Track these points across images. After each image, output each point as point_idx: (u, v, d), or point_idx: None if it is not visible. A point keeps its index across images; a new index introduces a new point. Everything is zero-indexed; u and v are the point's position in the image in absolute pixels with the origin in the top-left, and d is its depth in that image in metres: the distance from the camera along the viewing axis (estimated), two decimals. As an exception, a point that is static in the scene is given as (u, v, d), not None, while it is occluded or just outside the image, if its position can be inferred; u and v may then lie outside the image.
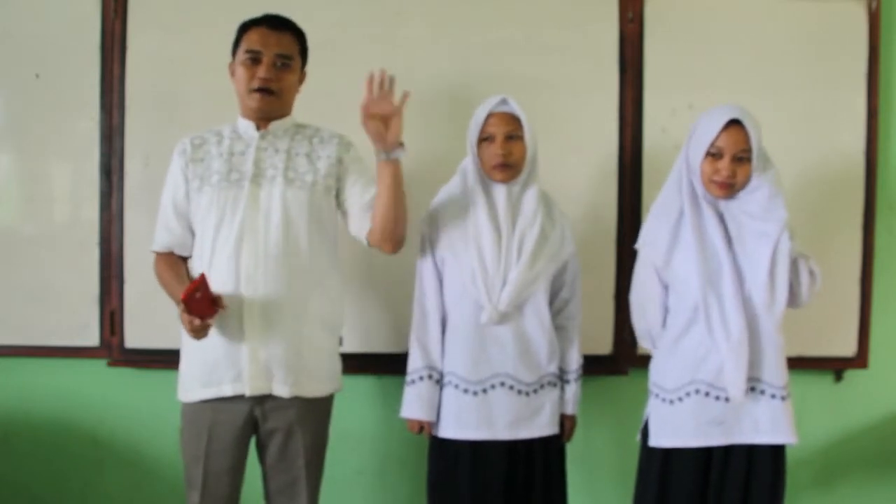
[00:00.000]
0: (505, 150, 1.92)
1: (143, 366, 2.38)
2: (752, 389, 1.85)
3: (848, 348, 2.45)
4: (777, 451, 1.87)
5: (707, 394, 1.86)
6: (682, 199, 1.90)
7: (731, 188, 1.85)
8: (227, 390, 1.84)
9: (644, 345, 2.07)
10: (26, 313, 2.38)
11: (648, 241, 1.96)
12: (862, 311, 2.44)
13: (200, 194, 1.89)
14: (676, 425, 1.89)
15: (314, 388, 1.90)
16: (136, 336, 2.37)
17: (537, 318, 1.97)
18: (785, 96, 2.39)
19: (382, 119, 1.77)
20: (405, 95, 1.78)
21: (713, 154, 1.84)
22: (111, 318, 2.37)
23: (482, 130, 1.95)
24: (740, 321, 1.82)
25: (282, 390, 1.85)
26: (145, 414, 2.43)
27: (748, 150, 1.83)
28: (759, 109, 2.30)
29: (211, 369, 1.85)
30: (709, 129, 1.84)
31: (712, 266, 1.85)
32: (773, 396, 1.85)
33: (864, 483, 2.56)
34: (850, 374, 2.50)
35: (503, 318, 1.93)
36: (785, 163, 2.38)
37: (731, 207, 1.88)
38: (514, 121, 1.95)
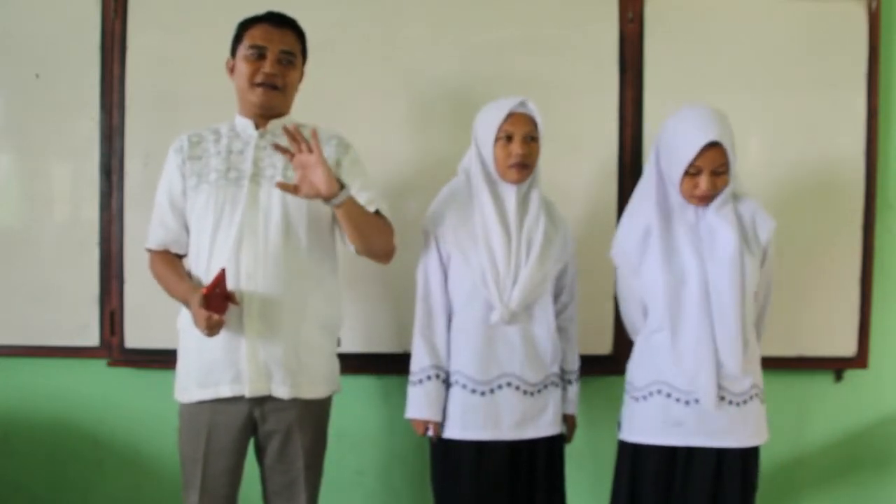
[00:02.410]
0: (524, 151, 1.92)
1: (143, 366, 2.38)
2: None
3: (848, 348, 2.45)
4: (747, 453, 1.89)
5: (669, 395, 1.89)
6: (652, 211, 1.90)
7: (711, 198, 1.86)
8: (226, 391, 1.83)
9: (632, 337, 2.10)
10: (26, 313, 2.38)
11: (619, 252, 1.99)
12: (862, 311, 2.44)
13: (198, 192, 1.88)
14: (642, 422, 1.93)
15: (313, 390, 1.90)
16: (136, 336, 2.37)
17: (544, 319, 1.97)
18: (785, 96, 2.40)
19: (308, 174, 1.72)
20: (313, 134, 1.71)
21: (691, 173, 1.83)
22: (111, 318, 2.37)
23: (500, 129, 1.93)
24: (706, 335, 1.84)
25: (281, 391, 1.84)
26: (145, 414, 2.43)
27: (726, 164, 1.83)
28: (758, 109, 2.32)
29: (208, 370, 1.84)
30: (687, 151, 1.81)
31: (677, 279, 1.86)
32: (730, 402, 1.87)
33: (863, 483, 2.56)
34: (850, 374, 2.50)
35: (513, 317, 1.93)
36: (785, 163, 2.41)
37: (707, 216, 1.88)
38: (531, 122, 1.94)
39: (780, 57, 2.40)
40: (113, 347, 2.38)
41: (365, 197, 1.88)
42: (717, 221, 1.87)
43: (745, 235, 1.89)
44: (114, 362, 2.39)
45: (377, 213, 1.89)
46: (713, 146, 1.80)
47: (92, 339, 2.38)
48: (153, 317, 2.30)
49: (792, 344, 2.40)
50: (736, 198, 1.92)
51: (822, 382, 2.52)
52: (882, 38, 2.42)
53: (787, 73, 2.40)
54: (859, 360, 2.46)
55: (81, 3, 2.36)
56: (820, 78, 2.41)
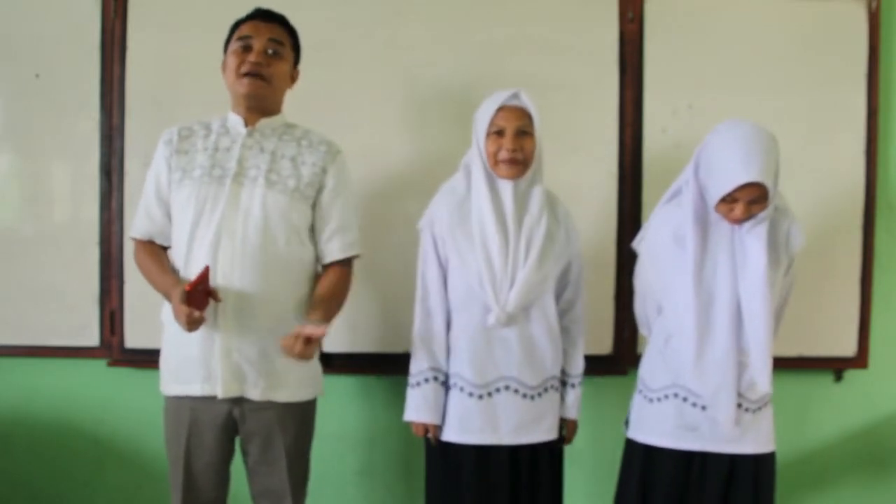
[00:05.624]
0: (515, 146, 1.87)
1: (143, 366, 2.37)
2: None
3: (848, 348, 2.45)
4: (760, 460, 1.88)
5: (685, 399, 1.87)
6: (687, 219, 1.85)
7: (746, 220, 1.83)
8: (197, 390, 1.84)
9: (642, 331, 2.10)
10: (26, 313, 2.38)
11: (647, 249, 1.97)
12: (862, 311, 2.44)
13: (181, 187, 1.87)
14: (655, 424, 1.91)
15: (288, 394, 1.87)
16: (136, 336, 2.37)
17: (544, 321, 1.94)
18: (785, 96, 2.39)
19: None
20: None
21: (728, 200, 1.79)
22: (111, 318, 2.38)
23: (491, 123, 1.89)
24: (731, 358, 1.83)
25: (253, 393, 1.83)
26: (145, 414, 2.42)
27: (765, 194, 1.78)
28: (759, 110, 2.31)
29: (181, 366, 1.85)
30: (725, 183, 1.76)
31: (707, 296, 1.84)
32: (746, 410, 1.86)
33: (864, 483, 2.56)
34: (850, 374, 2.50)
35: (510, 320, 1.90)
36: (785, 163, 2.39)
37: (741, 232, 1.84)
38: (525, 115, 1.89)
39: (780, 57, 2.40)
40: (113, 347, 2.38)
41: (339, 243, 1.91)
42: (750, 241, 1.82)
43: (777, 248, 1.86)
44: (114, 362, 2.39)
45: (340, 261, 1.92)
46: (753, 183, 1.75)
47: (92, 339, 2.38)
48: (153, 317, 2.27)
49: (792, 344, 2.40)
50: (777, 210, 1.86)
51: (822, 382, 2.51)
52: (882, 38, 2.42)
53: (787, 72, 2.40)
54: (859, 360, 2.45)
55: (81, 3, 2.36)
56: (820, 78, 2.41)
